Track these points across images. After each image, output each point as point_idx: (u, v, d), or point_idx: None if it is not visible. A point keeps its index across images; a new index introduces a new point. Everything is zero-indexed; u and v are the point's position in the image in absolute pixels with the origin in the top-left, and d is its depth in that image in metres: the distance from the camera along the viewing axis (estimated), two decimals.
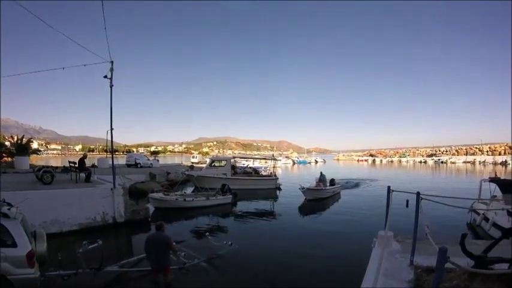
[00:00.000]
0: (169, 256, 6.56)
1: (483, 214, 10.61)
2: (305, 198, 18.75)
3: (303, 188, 18.70)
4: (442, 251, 1.92)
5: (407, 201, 5.26)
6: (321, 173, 21.87)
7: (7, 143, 20.36)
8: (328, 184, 21.04)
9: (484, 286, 2.89)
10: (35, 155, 27.76)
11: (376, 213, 14.85)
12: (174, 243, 6.48)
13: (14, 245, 5.12)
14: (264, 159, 41.05)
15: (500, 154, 57.69)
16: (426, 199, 4.46)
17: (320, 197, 19.13)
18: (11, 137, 20.46)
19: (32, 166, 17.18)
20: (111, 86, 12.75)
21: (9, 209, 5.55)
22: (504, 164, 47.49)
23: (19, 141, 19.57)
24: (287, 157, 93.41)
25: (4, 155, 19.31)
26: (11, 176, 12.28)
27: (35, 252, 5.48)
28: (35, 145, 31.64)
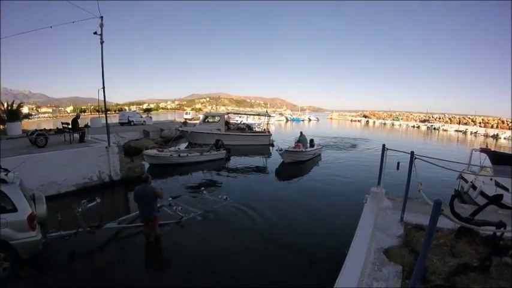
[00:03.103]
0: (156, 207, 6.81)
1: (471, 182, 10.88)
2: (283, 161, 17.22)
3: (281, 150, 16.97)
4: (437, 203, 1.99)
5: (398, 163, 5.31)
6: (301, 132, 20.16)
7: None
8: (308, 145, 19.28)
9: (469, 247, 3.05)
10: (27, 119, 27.23)
11: (360, 174, 15.07)
12: (160, 191, 6.67)
13: (14, 209, 5.14)
14: (258, 115, 40.67)
15: (492, 127, 57.79)
16: (419, 159, 4.53)
17: (299, 159, 17.59)
18: (1, 103, 19.95)
19: (24, 131, 16.89)
20: (102, 43, 12.12)
21: (6, 175, 5.54)
22: (495, 137, 47.82)
23: (9, 108, 19.21)
24: (280, 114, 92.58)
25: None
26: (4, 143, 12.07)
27: (36, 215, 5.55)
28: (25, 110, 30.85)
